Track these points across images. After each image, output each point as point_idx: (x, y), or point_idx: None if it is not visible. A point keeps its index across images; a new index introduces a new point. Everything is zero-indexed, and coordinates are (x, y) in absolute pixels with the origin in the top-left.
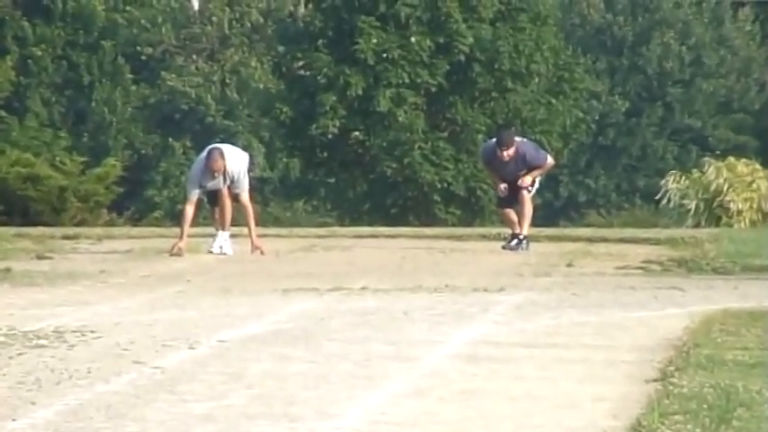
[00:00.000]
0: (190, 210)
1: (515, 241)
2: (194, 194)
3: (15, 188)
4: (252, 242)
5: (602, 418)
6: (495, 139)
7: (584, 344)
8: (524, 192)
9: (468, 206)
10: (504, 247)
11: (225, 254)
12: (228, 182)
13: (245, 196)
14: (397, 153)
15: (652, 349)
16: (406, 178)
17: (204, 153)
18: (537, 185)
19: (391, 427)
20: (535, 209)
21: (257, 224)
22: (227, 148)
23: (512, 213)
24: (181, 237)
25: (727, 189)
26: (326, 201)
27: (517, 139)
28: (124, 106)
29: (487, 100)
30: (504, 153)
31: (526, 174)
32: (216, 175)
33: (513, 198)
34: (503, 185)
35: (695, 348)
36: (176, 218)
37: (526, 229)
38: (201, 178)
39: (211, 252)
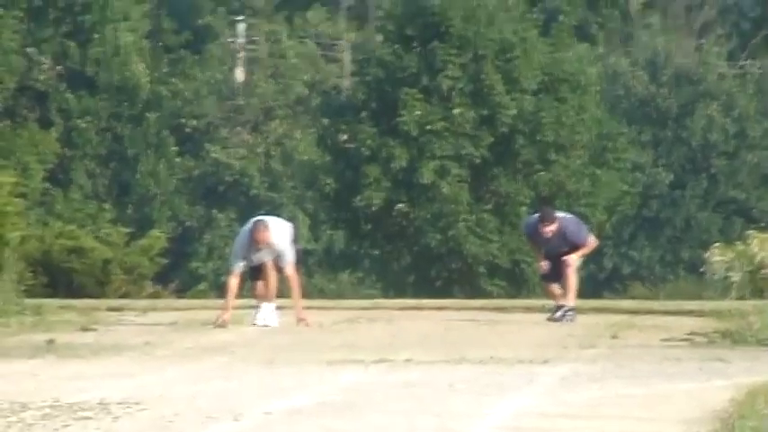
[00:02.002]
0: (234, 282)
1: (560, 312)
2: (239, 267)
3: (60, 260)
4: (298, 313)
5: None
6: (537, 215)
7: (629, 416)
8: (568, 267)
9: (513, 278)
10: (549, 319)
11: (268, 326)
12: (274, 254)
13: (290, 268)
14: (442, 225)
15: (698, 421)
16: (450, 250)
17: (248, 225)
18: (580, 260)
19: None
20: (580, 281)
21: (302, 296)
22: (271, 220)
23: (556, 287)
24: (225, 308)
25: None
26: (371, 272)
27: (560, 214)
28: (169, 178)
29: (531, 172)
30: (546, 229)
31: (568, 252)
32: (260, 247)
33: (556, 272)
34: (544, 263)
35: (740, 420)
36: (221, 289)
37: (572, 301)
38: (246, 251)
39: (255, 324)
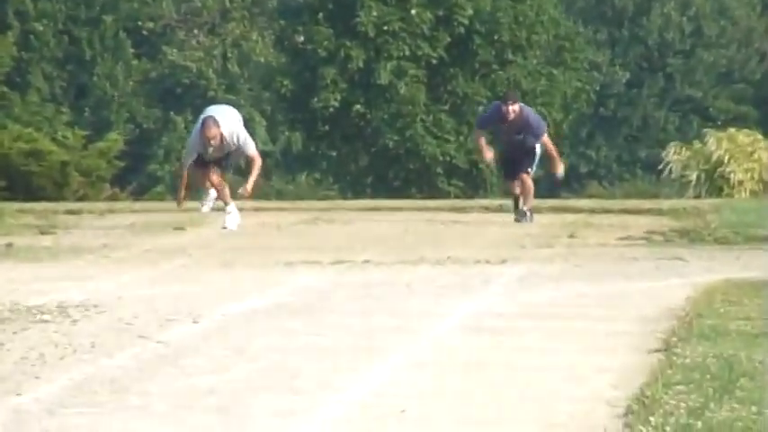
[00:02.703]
0: (185, 173)
1: (525, 211)
2: (190, 159)
3: (18, 163)
4: (245, 185)
5: (605, 389)
6: (497, 102)
7: (586, 315)
8: (524, 174)
9: (470, 178)
10: (516, 220)
11: (226, 228)
12: (233, 147)
13: (253, 151)
14: (399, 126)
15: (655, 320)
16: (407, 151)
17: (199, 124)
18: (536, 164)
19: (395, 398)
20: (535, 183)
21: (258, 197)
22: (220, 114)
23: (516, 185)
24: (179, 196)
25: (728, 160)
26: (329, 174)
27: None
28: (125, 81)
29: (488, 72)
30: (510, 108)
31: (525, 146)
32: (212, 143)
33: (514, 173)
34: (490, 155)
35: (698, 318)
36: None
37: (529, 204)
38: (200, 148)
39: (225, 227)
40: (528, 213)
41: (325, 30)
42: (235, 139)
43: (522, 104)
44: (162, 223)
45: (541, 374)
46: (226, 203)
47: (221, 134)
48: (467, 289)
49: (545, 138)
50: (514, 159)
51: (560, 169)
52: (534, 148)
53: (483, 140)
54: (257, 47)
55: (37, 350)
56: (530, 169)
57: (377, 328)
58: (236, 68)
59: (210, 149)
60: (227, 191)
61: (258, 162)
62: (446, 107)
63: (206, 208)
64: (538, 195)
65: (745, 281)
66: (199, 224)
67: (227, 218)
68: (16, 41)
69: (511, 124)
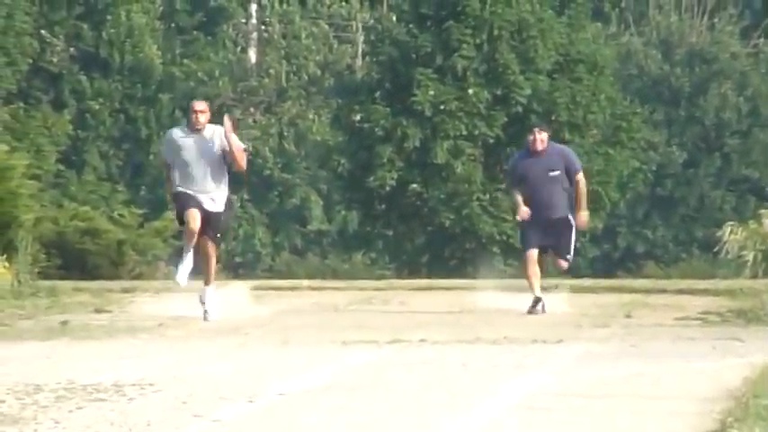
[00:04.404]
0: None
1: (540, 306)
2: (167, 157)
3: (74, 242)
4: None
5: None
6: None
7: (642, 394)
8: (562, 261)
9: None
10: (529, 312)
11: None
12: (218, 143)
13: (238, 143)
14: (455, 205)
15: (711, 400)
16: (464, 230)
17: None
18: (573, 246)
19: None
20: (593, 260)
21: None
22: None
23: (537, 267)
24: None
25: None
26: (385, 253)
27: None
28: None
29: None
30: (538, 137)
31: (559, 183)
32: (201, 119)
33: (547, 241)
34: (525, 209)
35: (754, 399)
36: (234, 270)
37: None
38: (183, 135)
39: (206, 316)
40: (544, 303)
41: (382, 108)
42: (221, 138)
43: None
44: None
45: None
46: (207, 282)
47: (208, 118)
48: (522, 368)
49: (581, 175)
50: (547, 221)
51: (584, 219)
52: (570, 218)
53: (519, 196)
54: (314, 125)
55: (93, 429)
56: (569, 256)
57: (432, 407)
58: (293, 147)
59: (195, 136)
60: (212, 264)
61: (243, 164)
62: (502, 186)
63: (182, 278)
64: (593, 275)
65: None
66: (255, 303)
67: (209, 307)
68: (72, 120)
69: (540, 160)
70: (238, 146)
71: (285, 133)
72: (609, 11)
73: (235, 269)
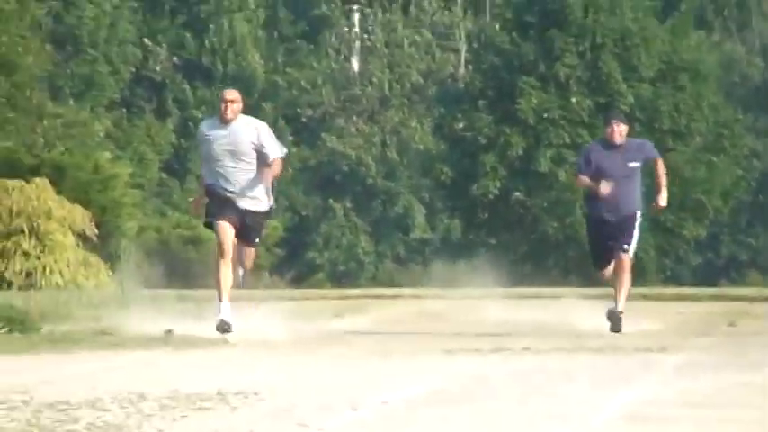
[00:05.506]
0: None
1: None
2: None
3: (177, 250)
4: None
5: None
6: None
7: (746, 404)
8: (625, 257)
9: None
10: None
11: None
12: (253, 143)
13: (275, 153)
14: (559, 213)
15: None
16: (567, 238)
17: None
18: (636, 239)
19: None
20: (696, 268)
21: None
22: None
23: (609, 272)
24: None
25: None
26: (488, 261)
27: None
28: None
29: None
30: (616, 129)
31: (634, 177)
32: (231, 110)
33: (611, 249)
34: (605, 183)
35: None
36: (338, 279)
37: (623, 304)
38: (212, 130)
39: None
40: (622, 319)
41: (484, 116)
42: (255, 130)
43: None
44: (321, 310)
45: None
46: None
47: (240, 108)
48: (626, 377)
49: (660, 161)
50: (614, 224)
51: (664, 200)
52: (637, 214)
53: (588, 179)
54: (416, 134)
55: None
56: (627, 246)
57: (536, 416)
58: (396, 156)
59: (226, 127)
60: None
61: (279, 167)
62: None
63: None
64: (696, 283)
65: None
66: (358, 311)
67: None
68: (175, 129)
69: (617, 152)
70: (273, 153)
71: (388, 142)
72: (712, 19)
73: (338, 278)
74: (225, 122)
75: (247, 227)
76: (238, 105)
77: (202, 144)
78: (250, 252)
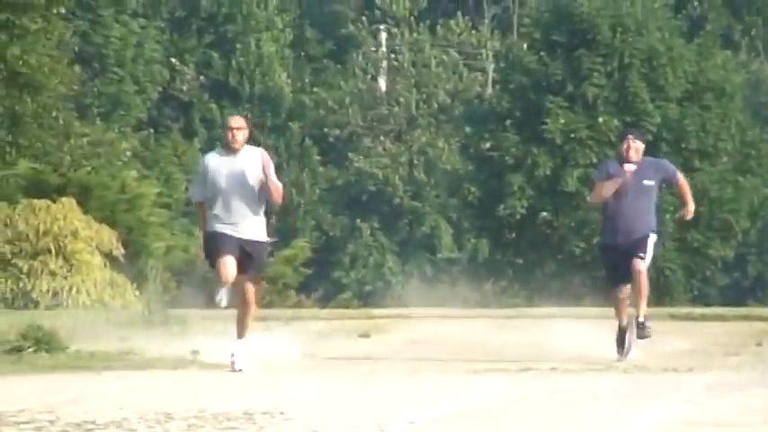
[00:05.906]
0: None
1: (636, 333)
2: (199, 190)
3: (204, 270)
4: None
5: None
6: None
7: None
8: (639, 262)
9: (657, 286)
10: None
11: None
12: (256, 168)
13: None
14: (586, 233)
15: None
16: (594, 258)
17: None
18: (651, 255)
19: None
20: (723, 289)
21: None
22: None
23: (626, 300)
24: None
25: None
26: (515, 281)
27: None
28: (312, 188)
29: None
30: (632, 145)
31: (649, 195)
32: (236, 146)
33: (628, 269)
34: (627, 165)
35: None
36: (364, 299)
37: (644, 310)
38: (213, 166)
39: (233, 365)
40: (648, 326)
41: (512, 136)
42: (261, 160)
43: None
44: (348, 330)
45: None
46: (240, 335)
47: (246, 136)
48: (654, 397)
49: (681, 175)
50: (628, 246)
51: (690, 212)
52: (649, 236)
53: (607, 182)
54: (444, 154)
55: None
56: (643, 254)
57: None
58: (423, 175)
59: (232, 157)
60: (249, 313)
61: (280, 191)
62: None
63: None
64: (723, 303)
65: None
66: (384, 331)
67: (239, 355)
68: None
69: (633, 166)
70: (276, 184)
71: (415, 161)
72: (738, 39)
73: (365, 297)
74: (232, 151)
75: (248, 255)
76: (245, 133)
77: (207, 174)
78: (250, 292)
